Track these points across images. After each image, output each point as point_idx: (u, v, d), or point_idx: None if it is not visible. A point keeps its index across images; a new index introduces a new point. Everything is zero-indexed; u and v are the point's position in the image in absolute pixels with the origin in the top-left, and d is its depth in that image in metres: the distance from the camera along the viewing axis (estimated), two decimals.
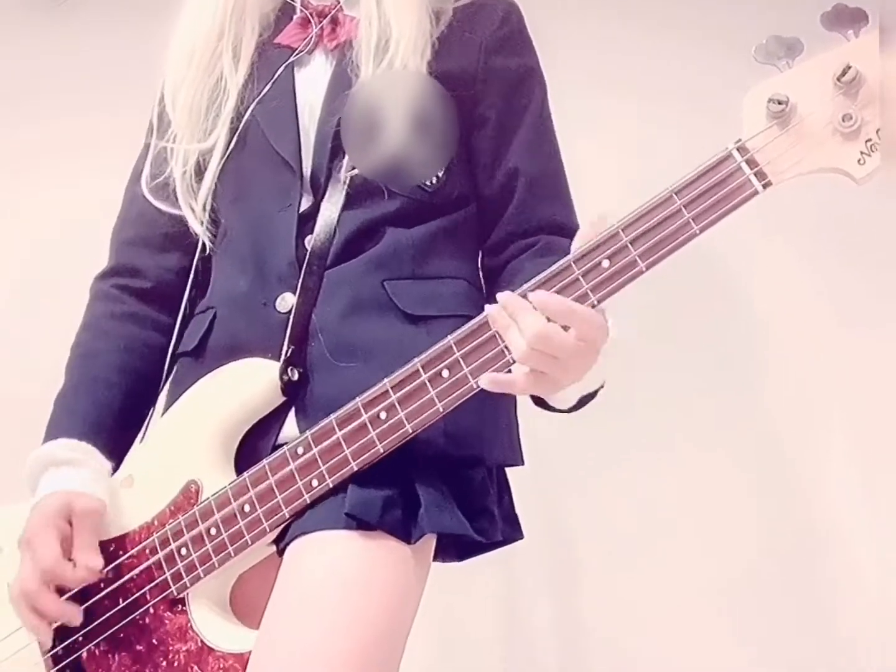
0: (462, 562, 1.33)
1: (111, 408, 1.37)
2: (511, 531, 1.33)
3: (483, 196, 1.37)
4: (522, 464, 1.34)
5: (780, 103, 0.99)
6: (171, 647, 1.21)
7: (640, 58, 2.27)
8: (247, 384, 1.26)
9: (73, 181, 2.35)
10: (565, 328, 1.06)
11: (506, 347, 1.09)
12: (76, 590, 1.25)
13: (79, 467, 1.30)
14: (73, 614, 1.25)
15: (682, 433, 2.19)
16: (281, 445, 1.23)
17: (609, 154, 2.18)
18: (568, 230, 1.32)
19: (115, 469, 1.35)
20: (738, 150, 1.02)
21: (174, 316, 1.44)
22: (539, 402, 1.21)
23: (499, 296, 1.08)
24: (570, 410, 1.20)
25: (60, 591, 1.25)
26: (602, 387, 1.19)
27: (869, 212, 1.97)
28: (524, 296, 1.07)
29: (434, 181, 1.33)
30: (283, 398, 1.25)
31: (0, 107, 2.41)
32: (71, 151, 2.37)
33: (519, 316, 1.06)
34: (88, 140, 2.34)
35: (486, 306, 1.10)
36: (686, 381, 2.16)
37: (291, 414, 1.26)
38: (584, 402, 1.19)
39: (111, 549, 1.29)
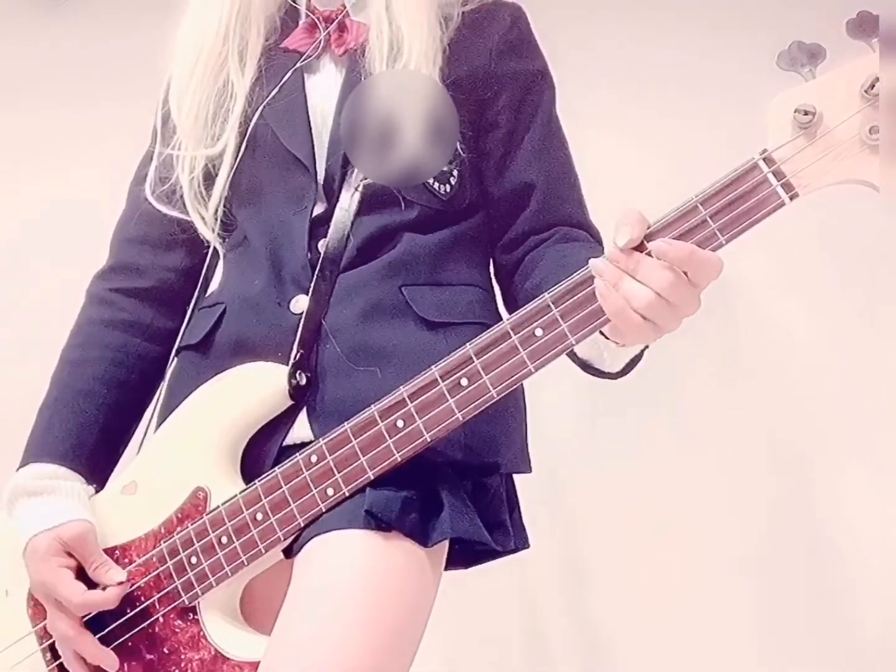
0: (468, 569, 1.33)
1: (93, 424, 1.35)
2: (520, 540, 1.33)
3: (495, 199, 1.37)
4: (530, 471, 1.34)
5: (807, 113, 0.98)
6: (183, 656, 1.20)
7: (662, 52, 2.27)
8: (254, 388, 1.25)
9: (72, 175, 2.35)
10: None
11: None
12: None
13: (49, 496, 1.29)
14: (111, 661, 1.24)
15: (697, 437, 2.18)
16: (289, 447, 1.23)
17: (631, 150, 2.17)
18: (584, 226, 1.34)
19: (99, 489, 1.34)
20: (764, 160, 1.01)
21: (173, 318, 1.43)
22: (586, 368, 1.19)
23: (607, 252, 1.04)
24: (618, 375, 1.18)
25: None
26: (647, 348, 1.16)
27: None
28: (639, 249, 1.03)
29: (448, 189, 1.33)
30: (291, 402, 1.24)
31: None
32: (71, 145, 2.36)
33: (640, 267, 1.02)
34: (89, 134, 2.34)
35: (591, 260, 1.04)
36: (701, 384, 2.16)
37: (302, 416, 1.25)
38: (630, 366, 1.18)
39: (115, 557, 1.27)
